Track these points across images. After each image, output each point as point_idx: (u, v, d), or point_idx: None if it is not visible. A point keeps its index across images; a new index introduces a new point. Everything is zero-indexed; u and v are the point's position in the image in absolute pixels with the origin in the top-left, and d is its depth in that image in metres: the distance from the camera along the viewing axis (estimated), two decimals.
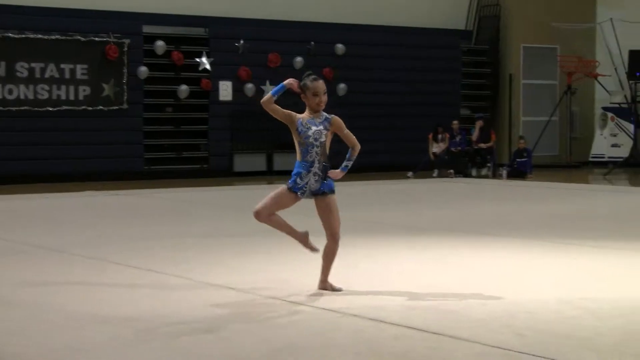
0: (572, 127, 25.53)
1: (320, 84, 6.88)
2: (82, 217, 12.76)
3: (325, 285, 6.88)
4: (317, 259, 8.33)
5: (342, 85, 22.64)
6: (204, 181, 19.69)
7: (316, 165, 6.76)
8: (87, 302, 6.52)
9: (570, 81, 24.84)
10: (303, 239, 7.01)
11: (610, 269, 7.79)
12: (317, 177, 6.77)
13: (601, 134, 25.51)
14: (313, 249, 7.02)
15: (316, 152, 6.77)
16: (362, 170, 22.35)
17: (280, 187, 6.91)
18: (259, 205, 6.81)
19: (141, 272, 7.86)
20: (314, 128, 6.83)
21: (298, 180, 6.80)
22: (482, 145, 21.79)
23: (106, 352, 5.14)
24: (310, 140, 6.80)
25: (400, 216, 12.42)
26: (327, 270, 6.89)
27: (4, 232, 10.65)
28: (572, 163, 24.92)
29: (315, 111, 6.87)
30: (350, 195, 16.30)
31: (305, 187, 6.79)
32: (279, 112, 6.90)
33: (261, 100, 6.88)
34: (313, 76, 6.93)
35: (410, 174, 20.95)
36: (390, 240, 9.70)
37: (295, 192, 6.82)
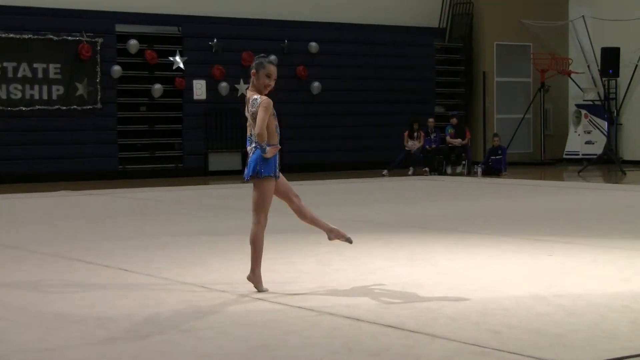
0: (546, 124, 25.65)
1: (275, 69, 6.74)
2: (55, 217, 12.67)
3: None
4: (296, 258, 8.29)
5: (316, 84, 22.64)
6: (179, 180, 19.64)
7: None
8: (56, 302, 6.46)
9: (543, 78, 24.95)
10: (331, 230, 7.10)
11: (585, 265, 7.81)
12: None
13: (575, 131, 25.64)
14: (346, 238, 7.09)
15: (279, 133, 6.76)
16: (336, 168, 22.44)
17: (270, 185, 6.76)
18: (261, 219, 6.78)
19: (114, 271, 7.81)
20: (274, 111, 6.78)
21: (275, 165, 6.78)
22: (457, 143, 21.84)
23: (77, 353, 5.08)
24: (276, 122, 6.79)
25: (374, 214, 12.41)
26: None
27: None
28: (546, 160, 25.04)
29: (261, 92, 6.68)
30: (324, 194, 16.31)
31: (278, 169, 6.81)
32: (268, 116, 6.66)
33: (260, 126, 6.56)
34: (270, 58, 6.88)
35: (385, 172, 20.98)
36: (363, 238, 9.68)
37: (277, 177, 6.82)
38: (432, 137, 22.00)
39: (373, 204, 14.03)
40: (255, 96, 6.64)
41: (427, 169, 21.26)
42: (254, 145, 6.72)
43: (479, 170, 20.83)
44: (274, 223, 9.26)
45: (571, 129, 25.85)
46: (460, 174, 21.52)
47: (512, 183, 18.57)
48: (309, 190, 17.27)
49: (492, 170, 20.88)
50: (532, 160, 25.25)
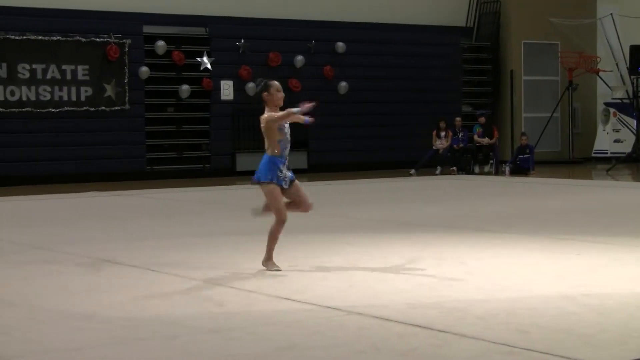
0: (574, 123, 25.50)
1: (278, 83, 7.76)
2: (84, 217, 12.75)
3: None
4: (324, 258, 8.30)
5: (343, 84, 22.62)
6: (206, 181, 19.68)
7: (287, 158, 7.67)
8: (84, 303, 6.49)
9: (571, 77, 24.82)
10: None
11: (614, 265, 7.76)
12: (287, 168, 7.69)
13: (603, 130, 25.48)
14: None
15: (288, 147, 7.67)
16: (364, 167, 22.44)
17: (271, 188, 7.57)
18: (277, 215, 7.57)
19: (142, 271, 7.84)
20: (286, 125, 7.69)
21: (279, 173, 7.57)
22: (484, 142, 21.77)
23: (105, 353, 5.11)
24: (287, 136, 7.68)
25: (401, 213, 12.39)
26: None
27: (4, 233, 10.64)
28: (575, 159, 24.92)
29: (277, 107, 7.63)
30: (351, 193, 16.32)
31: (286, 179, 7.61)
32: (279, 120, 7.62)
33: (278, 117, 7.59)
34: (267, 79, 7.83)
35: (412, 171, 20.96)
36: (391, 238, 9.67)
37: (281, 184, 7.59)
38: (460, 136, 21.94)
39: (400, 204, 14.01)
40: (263, 115, 7.64)
41: (454, 168, 21.21)
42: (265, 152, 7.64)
43: (507, 169, 20.76)
44: (302, 222, 9.28)
45: (599, 127, 25.70)
46: (488, 173, 21.44)
47: (540, 182, 18.50)
48: (336, 190, 17.32)
49: (520, 169, 20.81)
50: (560, 159, 25.11)
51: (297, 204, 7.77)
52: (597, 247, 8.77)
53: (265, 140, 7.64)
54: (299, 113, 7.64)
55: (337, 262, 8.14)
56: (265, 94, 7.64)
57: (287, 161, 7.69)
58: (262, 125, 7.63)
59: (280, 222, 7.58)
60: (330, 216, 12.11)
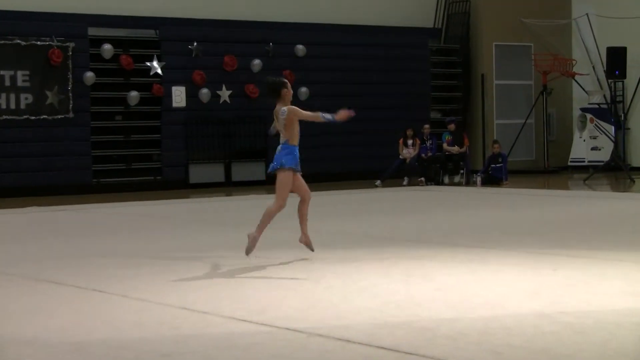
0: (549, 130, 25.70)
1: None
2: (24, 234, 12.61)
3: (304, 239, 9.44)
4: (284, 276, 8.28)
5: (303, 89, 22.63)
6: (158, 194, 19.58)
7: None
8: (25, 326, 6.41)
9: (545, 81, 25.02)
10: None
11: (592, 280, 7.79)
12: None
13: (580, 137, 25.65)
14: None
15: None
16: (326, 179, 22.43)
17: (284, 176, 9.13)
18: (280, 201, 9.14)
19: (87, 292, 7.76)
20: None
21: (296, 159, 9.10)
22: (454, 151, 21.85)
23: None
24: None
25: (366, 227, 12.40)
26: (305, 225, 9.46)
27: None
28: (550, 168, 25.11)
29: (289, 103, 9.21)
30: (312, 206, 16.25)
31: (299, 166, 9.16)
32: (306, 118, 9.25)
33: (307, 116, 9.20)
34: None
35: (378, 182, 21.01)
36: (355, 253, 9.66)
37: (299, 170, 9.20)
38: (428, 144, 22.02)
39: (366, 217, 14.01)
40: (284, 108, 9.12)
41: (422, 178, 21.28)
42: (281, 145, 9.16)
43: (478, 179, 20.85)
44: (266, 239, 9.27)
45: (576, 134, 25.89)
46: (459, 184, 21.56)
47: (513, 193, 18.60)
48: (296, 203, 17.25)
49: (492, 179, 20.92)
50: (535, 168, 25.31)
51: (297, 187, 9.32)
52: (575, 262, 8.81)
53: (285, 131, 9.12)
54: (330, 120, 9.06)
55: (298, 279, 8.12)
56: (285, 90, 9.14)
57: None
58: (286, 116, 9.05)
59: (279, 209, 9.12)
60: (290, 231, 12.09)
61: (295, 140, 9.17)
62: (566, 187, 20.76)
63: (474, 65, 25.59)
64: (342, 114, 9.00)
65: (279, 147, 9.23)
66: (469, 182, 21.54)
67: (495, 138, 23.58)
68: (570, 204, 15.89)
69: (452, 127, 22.10)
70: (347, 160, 23.24)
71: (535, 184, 21.09)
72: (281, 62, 22.57)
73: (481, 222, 12.88)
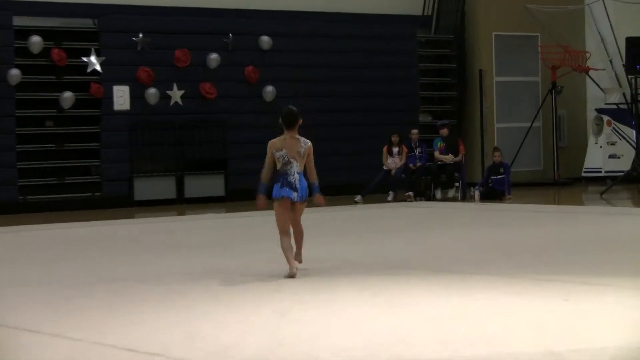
0: (559, 134, 25.75)
1: None
2: None
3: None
4: (248, 309, 8.28)
5: (269, 88, 22.67)
6: (97, 214, 19.51)
7: None
8: None
9: (555, 77, 25.08)
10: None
11: (609, 312, 7.80)
12: None
13: (596, 143, 25.69)
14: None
15: None
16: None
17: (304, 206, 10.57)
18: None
19: (12, 331, 7.72)
20: None
21: None
22: (448, 160, 21.84)
23: None
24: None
25: (345, 251, 12.39)
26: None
27: None
28: (561, 180, 25.19)
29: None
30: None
31: None
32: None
33: (312, 170, 10.72)
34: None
35: (358, 198, 21.03)
36: (332, 282, 9.66)
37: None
38: (417, 152, 22.02)
39: (343, 239, 14.01)
40: (306, 140, 10.62)
41: (411, 193, 21.30)
42: (300, 174, 10.46)
43: (477, 193, 20.88)
44: (222, 265, 9.23)
45: (591, 140, 25.96)
46: (453, 199, 21.62)
47: (517, 209, 18.64)
48: (262, 223, 17.22)
49: (493, 193, 20.96)
50: (543, 180, 25.40)
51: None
52: (589, 290, 8.82)
53: (303, 161, 10.52)
54: (313, 187, 10.76)
55: (265, 313, 8.11)
56: (301, 120, 10.62)
57: None
58: (309, 148, 10.60)
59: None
60: (256, 255, 12.07)
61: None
62: (579, 202, 20.82)
63: (470, 59, 25.67)
64: (319, 198, 10.80)
65: (296, 176, 10.42)
66: (465, 197, 21.58)
67: (496, 145, 23.59)
68: (585, 222, 15.94)
69: (445, 132, 22.07)
70: (321, 173, 23.08)
71: (543, 199, 21.12)
72: (243, 56, 22.57)
73: (479, 244, 12.89)
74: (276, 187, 10.44)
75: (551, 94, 25.27)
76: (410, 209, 19.51)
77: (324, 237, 14.36)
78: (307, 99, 22.96)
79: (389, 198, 21.30)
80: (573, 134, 26.58)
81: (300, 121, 10.64)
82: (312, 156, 10.70)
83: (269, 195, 10.40)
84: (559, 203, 20.49)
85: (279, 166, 10.47)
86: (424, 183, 22.07)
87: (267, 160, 10.46)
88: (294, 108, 10.75)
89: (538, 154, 25.95)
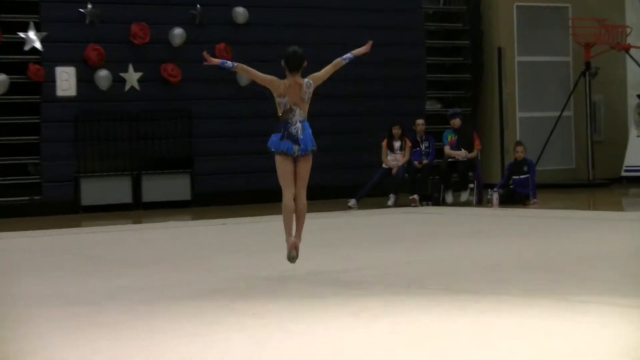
0: (594, 126, 25.81)
1: None
2: None
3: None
4: (218, 336, 8.24)
5: None
6: (36, 221, 19.48)
7: None
8: None
9: (589, 57, 25.18)
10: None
11: None
12: None
13: (638, 136, 25.75)
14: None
15: None
16: (277, 197, 22.30)
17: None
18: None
19: None
20: None
21: None
22: (460, 156, 21.82)
23: None
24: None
25: (336, 266, 12.36)
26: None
27: None
28: (596, 180, 25.33)
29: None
30: (260, 236, 16.22)
31: None
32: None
33: (332, 69, 11.83)
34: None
35: (352, 202, 21.12)
36: (320, 304, 9.61)
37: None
38: (423, 147, 22.02)
39: (335, 252, 13.98)
40: (307, 80, 11.29)
41: (416, 196, 21.35)
42: (303, 123, 11.32)
43: (495, 197, 20.90)
44: (188, 282, 9.20)
45: (632, 132, 26.09)
46: (467, 204, 21.69)
47: (544, 216, 18.69)
48: (237, 232, 17.22)
49: (515, 196, 21.04)
50: (575, 180, 25.51)
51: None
52: (630, 315, 8.80)
53: (307, 106, 11.35)
54: (351, 60, 12.12)
55: (238, 341, 8.06)
56: (305, 62, 11.39)
57: None
58: (312, 88, 11.38)
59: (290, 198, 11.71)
60: (230, 270, 12.02)
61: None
62: (619, 207, 20.84)
63: (487, 35, 25.75)
64: (363, 48, 12.31)
65: (298, 125, 11.30)
66: (481, 201, 21.69)
67: (518, 138, 23.62)
68: (626, 232, 15.92)
69: (456, 122, 22.08)
70: (313, 172, 23.19)
71: (575, 203, 21.13)
72: (213, 32, 22.61)
73: (498, 258, 12.85)
74: (275, 137, 11.35)
75: (584, 77, 25.39)
76: (415, 215, 19.58)
77: (312, 249, 14.29)
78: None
79: (390, 202, 21.31)
80: (611, 125, 26.69)
81: (305, 64, 11.36)
82: (321, 75, 11.59)
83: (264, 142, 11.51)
84: (594, 208, 20.48)
85: (279, 112, 11.27)
86: (431, 184, 22.17)
87: (261, 75, 11.38)
88: (298, 49, 11.43)
89: (569, 150, 26.05)
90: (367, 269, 12.20)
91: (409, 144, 21.85)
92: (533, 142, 23.92)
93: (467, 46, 25.70)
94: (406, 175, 21.76)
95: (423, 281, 11.04)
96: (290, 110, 11.23)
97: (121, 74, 21.82)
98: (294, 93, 11.26)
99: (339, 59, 11.89)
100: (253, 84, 22.18)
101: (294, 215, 11.58)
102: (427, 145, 22.13)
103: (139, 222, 19.97)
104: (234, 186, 22.76)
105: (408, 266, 12.41)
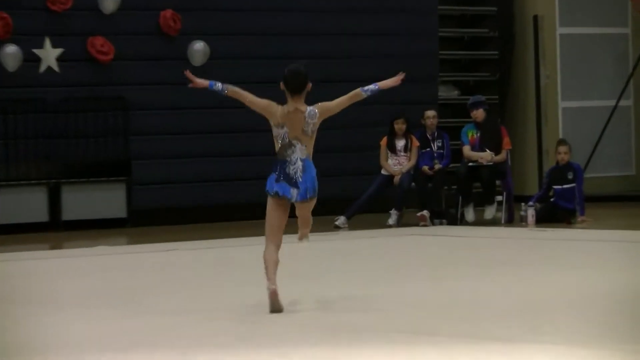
0: None
1: None
2: None
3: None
4: None
5: (197, 46, 22.79)
6: None
7: None
8: None
9: None
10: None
11: None
12: None
13: None
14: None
15: None
16: (241, 213, 22.30)
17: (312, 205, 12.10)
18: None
19: None
20: None
21: None
22: (485, 160, 21.79)
23: None
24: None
25: (324, 307, 12.42)
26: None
27: None
28: None
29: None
30: (221, 266, 16.16)
31: None
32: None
33: (348, 100, 12.31)
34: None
35: (340, 220, 21.22)
36: (299, 356, 9.55)
37: None
38: (435, 148, 21.99)
39: (321, 285, 13.99)
40: (312, 108, 11.76)
41: (425, 212, 21.35)
42: (305, 160, 11.71)
43: (530, 213, 21.00)
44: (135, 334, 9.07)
45: None
46: (494, 222, 21.74)
47: (595, 238, 18.73)
48: (192, 259, 17.12)
49: (557, 212, 21.11)
50: (636, 191, 25.63)
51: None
52: None
53: (311, 141, 11.80)
54: (374, 92, 12.56)
55: None
56: (310, 84, 11.76)
57: None
58: (317, 119, 11.86)
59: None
60: (180, 318, 11.95)
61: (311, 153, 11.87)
62: None
63: (519, 0, 25.72)
64: (392, 81, 12.79)
65: (298, 165, 11.70)
66: (512, 219, 21.77)
67: (561, 137, 23.64)
68: None
69: (479, 115, 22.06)
70: None
71: (635, 222, 21.15)
72: None
73: (536, 294, 12.82)
74: (271, 178, 11.63)
75: None
76: (424, 238, 19.67)
77: (291, 282, 14.22)
78: (263, 62, 22.93)
79: (391, 221, 21.30)
80: None
81: (310, 86, 11.74)
82: (332, 106, 12.15)
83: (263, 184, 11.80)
84: None
85: (277, 147, 11.61)
86: (446, 197, 22.25)
87: (255, 99, 11.80)
88: (302, 67, 11.77)
89: (628, 151, 26.18)
90: (361, 311, 12.14)
91: (416, 143, 21.82)
92: (581, 141, 23.98)
93: (492, 14, 25.76)
94: (413, 184, 21.76)
95: (437, 325, 11.00)
96: (290, 145, 11.57)
97: (35, 51, 21.79)
98: (295, 123, 11.62)
99: (359, 90, 12.23)
100: (210, 62, 22.32)
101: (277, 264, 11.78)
102: (440, 144, 22.11)
103: (58, 248, 19.94)
104: (183, 200, 22.68)
105: (417, 305, 12.35)
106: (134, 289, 14.39)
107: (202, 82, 12.24)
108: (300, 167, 11.60)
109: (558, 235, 19.36)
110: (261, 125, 23.25)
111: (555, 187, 21.33)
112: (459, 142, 22.33)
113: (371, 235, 20.04)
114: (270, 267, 11.50)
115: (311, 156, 11.75)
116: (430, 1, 24.80)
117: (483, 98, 22.90)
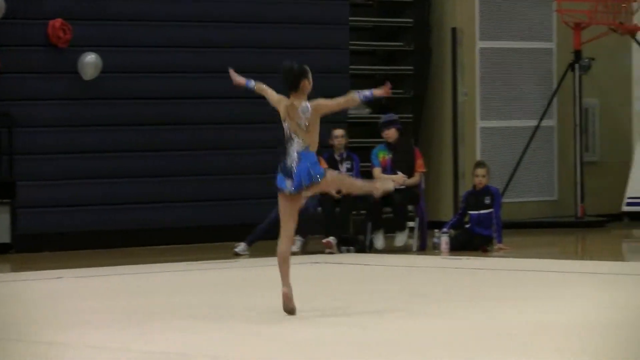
0: (586, 140, 25.97)
1: None
2: None
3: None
4: None
5: (88, 58, 22.53)
6: None
7: None
8: None
9: (579, 44, 25.29)
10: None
11: None
12: None
13: None
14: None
15: None
16: (143, 239, 22.12)
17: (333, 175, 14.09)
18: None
19: None
20: None
21: None
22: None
23: None
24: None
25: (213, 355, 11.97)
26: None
27: None
28: (588, 218, 25.48)
29: (304, 97, 13.17)
30: (127, 294, 15.82)
31: None
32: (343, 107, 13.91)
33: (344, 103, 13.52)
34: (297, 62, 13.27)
35: (240, 247, 21.14)
36: None
37: None
38: (344, 170, 21.83)
39: (206, 327, 13.59)
40: (305, 104, 12.94)
41: (331, 239, 21.32)
42: (300, 153, 12.95)
43: (444, 240, 21.00)
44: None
45: (638, 149, 26.20)
46: (405, 250, 21.65)
47: (514, 268, 18.70)
48: (85, 290, 16.80)
49: (473, 240, 21.11)
50: (558, 217, 25.66)
51: None
52: None
53: (306, 133, 12.96)
54: (368, 99, 13.30)
55: None
56: (306, 81, 13.03)
57: None
58: (310, 114, 12.90)
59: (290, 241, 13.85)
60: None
61: (316, 146, 13.13)
62: (619, 257, 20.91)
63: (437, 12, 25.81)
64: (381, 90, 13.27)
65: (294, 156, 12.99)
66: (425, 246, 21.80)
67: (479, 159, 23.60)
68: (628, 291, 15.87)
69: (391, 134, 22.02)
70: (183, 207, 23.04)
71: (557, 250, 21.13)
72: (45, 2, 22.50)
73: (446, 335, 12.55)
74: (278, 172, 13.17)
75: (573, 71, 25.62)
76: (330, 267, 19.69)
77: (171, 325, 13.91)
78: (157, 75, 22.78)
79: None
80: (609, 140, 26.88)
81: (306, 82, 13.05)
82: (328, 105, 13.19)
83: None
84: (584, 257, 20.40)
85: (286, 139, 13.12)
86: (354, 222, 22.16)
87: (272, 94, 13.34)
88: (295, 64, 13.19)
89: (550, 174, 26.23)
90: (263, 346, 11.85)
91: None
92: (500, 164, 24.00)
93: (408, 26, 25.74)
94: (319, 209, 21.78)
95: None
96: (290, 138, 13.00)
97: None
98: (292, 118, 13.01)
99: (354, 93, 13.38)
100: (104, 75, 22.13)
101: (288, 262, 13.42)
102: (349, 166, 22.08)
103: (13, 272, 19.70)
104: (72, 224, 22.52)
105: (310, 347, 12.04)
106: (18, 324, 14.05)
107: (241, 80, 14.04)
108: (296, 159, 12.91)
109: (473, 264, 19.44)
110: (152, 145, 23.24)
111: (471, 212, 21.39)
112: (369, 164, 22.31)
113: (272, 262, 19.74)
114: (282, 269, 13.21)
115: (313, 148, 13.02)
116: (341, 12, 24.69)
117: (396, 117, 23.00)
